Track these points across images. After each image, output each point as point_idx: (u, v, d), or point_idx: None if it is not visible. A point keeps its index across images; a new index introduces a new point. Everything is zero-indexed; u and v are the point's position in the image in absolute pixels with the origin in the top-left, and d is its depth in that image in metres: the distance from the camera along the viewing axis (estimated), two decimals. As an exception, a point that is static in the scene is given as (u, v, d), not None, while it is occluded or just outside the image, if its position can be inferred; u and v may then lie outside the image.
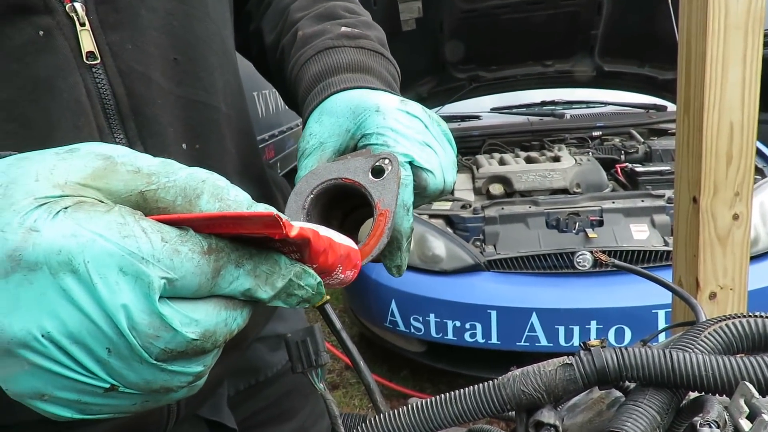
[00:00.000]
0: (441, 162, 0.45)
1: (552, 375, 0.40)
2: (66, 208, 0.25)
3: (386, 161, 0.42)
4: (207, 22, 0.51)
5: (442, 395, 0.41)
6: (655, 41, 2.76)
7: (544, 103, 3.36)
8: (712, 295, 1.13)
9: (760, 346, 0.41)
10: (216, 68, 0.52)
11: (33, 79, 0.40)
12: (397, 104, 0.46)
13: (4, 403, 0.42)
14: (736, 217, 1.08)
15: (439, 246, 2.07)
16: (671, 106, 3.14)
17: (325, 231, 0.35)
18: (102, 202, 0.27)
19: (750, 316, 0.43)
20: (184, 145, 0.49)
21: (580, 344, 0.40)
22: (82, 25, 0.42)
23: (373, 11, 2.74)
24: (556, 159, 2.51)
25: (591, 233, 2.02)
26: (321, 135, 0.46)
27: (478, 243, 2.12)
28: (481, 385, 0.41)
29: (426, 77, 3.09)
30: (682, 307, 1.18)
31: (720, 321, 0.44)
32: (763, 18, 0.97)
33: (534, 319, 1.90)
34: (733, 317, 0.44)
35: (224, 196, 0.29)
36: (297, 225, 0.29)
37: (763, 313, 0.43)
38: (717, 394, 0.35)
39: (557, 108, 3.26)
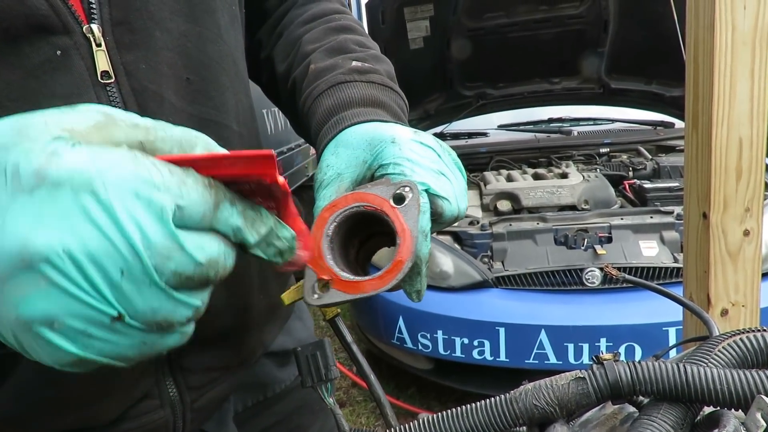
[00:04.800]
0: (454, 189, 0.47)
1: (565, 389, 0.39)
2: (80, 143, 0.27)
3: (407, 189, 0.43)
4: (220, 44, 0.52)
5: (453, 410, 0.41)
6: (661, 58, 2.77)
7: (551, 120, 3.37)
8: (724, 312, 1.12)
9: (776, 360, 0.40)
10: (228, 88, 0.53)
11: (50, 97, 0.41)
12: (412, 135, 0.47)
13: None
14: (746, 232, 1.07)
15: (447, 262, 2.06)
16: (679, 123, 3.13)
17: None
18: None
19: (764, 330, 0.42)
20: None
21: (592, 358, 0.40)
22: (98, 45, 0.43)
23: (382, 29, 2.78)
24: (564, 175, 2.51)
25: (600, 250, 2.00)
26: (338, 166, 0.48)
27: (486, 259, 2.11)
28: (492, 399, 0.40)
29: (433, 94, 3.11)
30: (693, 323, 1.17)
31: (734, 335, 0.43)
32: (770, 34, 0.98)
33: (543, 336, 1.88)
34: (747, 331, 0.43)
35: (215, 149, 0.32)
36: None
37: (778, 328, 0.43)
38: (733, 409, 0.35)
39: (564, 125, 3.27)
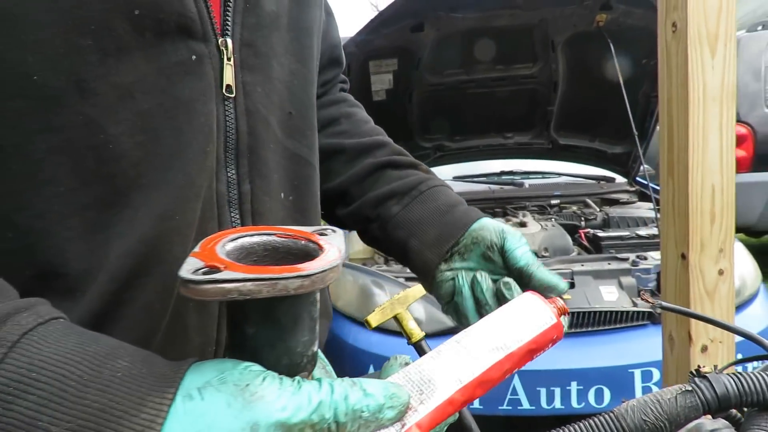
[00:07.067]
0: None
1: (672, 403, 0.40)
2: None
3: (328, 230, 0.38)
4: (314, 88, 0.56)
5: (557, 430, 0.40)
6: (604, 118, 3.00)
7: (503, 173, 3.52)
8: (704, 349, 1.18)
9: None
10: (315, 130, 0.56)
11: (174, 98, 0.41)
12: None
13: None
14: (721, 272, 1.15)
15: (418, 309, 2.06)
16: (619, 178, 3.37)
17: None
18: None
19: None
20: (282, 195, 0.50)
21: (691, 372, 0.41)
22: (228, 60, 0.44)
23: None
24: (523, 224, 2.60)
25: (564, 295, 2.06)
26: None
27: (455, 305, 2.13)
28: (597, 417, 0.40)
29: (393, 145, 3.19)
30: (674, 360, 1.22)
31: (806, 349, 0.46)
32: (735, 92, 1.09)
33: (516, 381, 1.89)
34: (814, 346, 0.46)
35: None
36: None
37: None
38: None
39: (516, 177, 3.42)
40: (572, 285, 2.14)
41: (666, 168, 1.17)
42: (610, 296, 2.09)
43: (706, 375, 0.41)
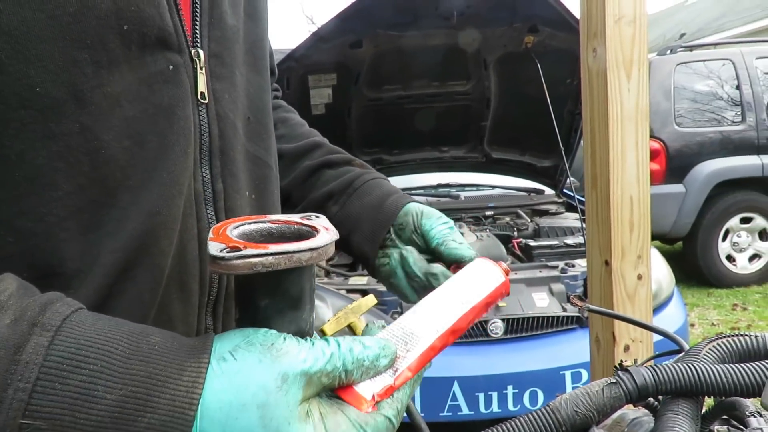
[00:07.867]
0: None
1: (600, 395, 0.44)
2: None
3: (311, 216, 0.42)
4: (268, 96, 0.61)
5: (496, 427, 0.44)
6: (533, 133, 3.17)
7: (439, 186, 3.62)
8: (626, 348, 1.27)
9: (746, 358, 0.49)
10: (271, 134, 0.61)
11: (156, 105, 0.44)
12: None
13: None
14: (640, 277, 1.25)
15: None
16: (548, 190, 3.55)
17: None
18: None
19: (732, 336, 0.52)
20: (247, 193, 0.54)
21: (615, 366, 0.45)
22: (201, 69, 0.48)
23: (286, 95, 2.84)
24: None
25: (500, 302, 2.16)
26: None
27: (396, 315, 2.16)
28: (534, 412, 0.44)
29: (332, 158, 3.21)
30: (601, 360, 1.31)
31: (710, 342, 0.52)
32: (648, 113, 1.20)
33: (456, 387, 1.94)
34: (715, 339, 0.52)
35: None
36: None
37: (739, 334, 0.52)
38: (743, 396, 0.42)
39: (452, 190, 3.53)
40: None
41: (590, 181, 1.26)
42: (542, 302, 2.20)
43: (628, 368, 0.46)
